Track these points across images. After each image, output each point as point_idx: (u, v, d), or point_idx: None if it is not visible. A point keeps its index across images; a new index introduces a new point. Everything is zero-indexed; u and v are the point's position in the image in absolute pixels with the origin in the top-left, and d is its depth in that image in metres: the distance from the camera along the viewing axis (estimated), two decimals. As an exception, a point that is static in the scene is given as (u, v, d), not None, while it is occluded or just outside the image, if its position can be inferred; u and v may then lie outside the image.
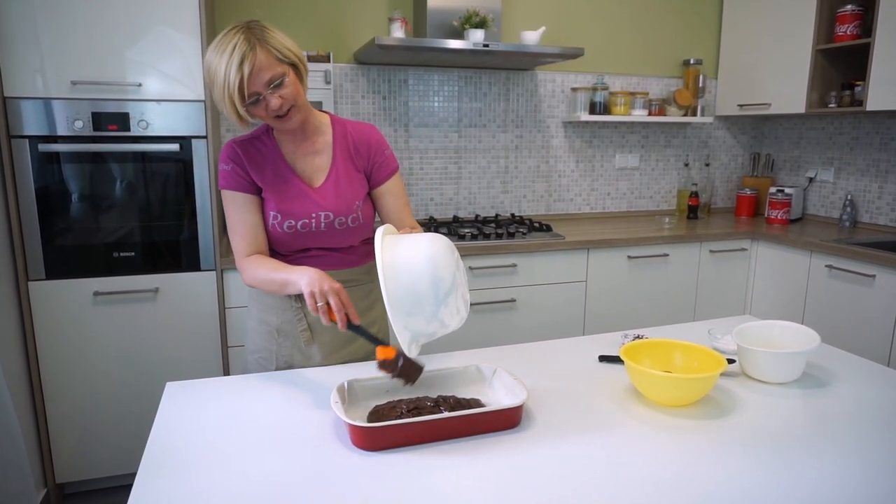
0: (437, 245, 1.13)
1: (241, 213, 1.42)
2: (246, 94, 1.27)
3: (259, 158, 1.42)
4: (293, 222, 1.42)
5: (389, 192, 1.52)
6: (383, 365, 1.18)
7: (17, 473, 1.80)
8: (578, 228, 3.04)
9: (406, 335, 1.13)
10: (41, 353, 2.18)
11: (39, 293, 2.15)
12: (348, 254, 1.51)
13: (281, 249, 1.47)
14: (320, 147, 1.47)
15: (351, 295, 1.40)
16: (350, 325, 1.21)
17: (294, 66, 1.33)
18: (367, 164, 1.50)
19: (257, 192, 1.43)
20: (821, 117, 3.38)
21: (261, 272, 1.37)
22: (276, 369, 1.49)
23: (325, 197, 1.44)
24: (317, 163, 1.46)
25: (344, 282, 1.43)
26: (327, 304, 1.20)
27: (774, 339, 1.43)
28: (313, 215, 1.42)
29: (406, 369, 1.19)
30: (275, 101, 1.30)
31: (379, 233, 1.16)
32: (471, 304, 2.62)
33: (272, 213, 1.42)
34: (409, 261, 1.10)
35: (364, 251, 1.54)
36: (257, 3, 2.75)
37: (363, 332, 1.23)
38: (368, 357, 1.53)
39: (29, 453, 2.10)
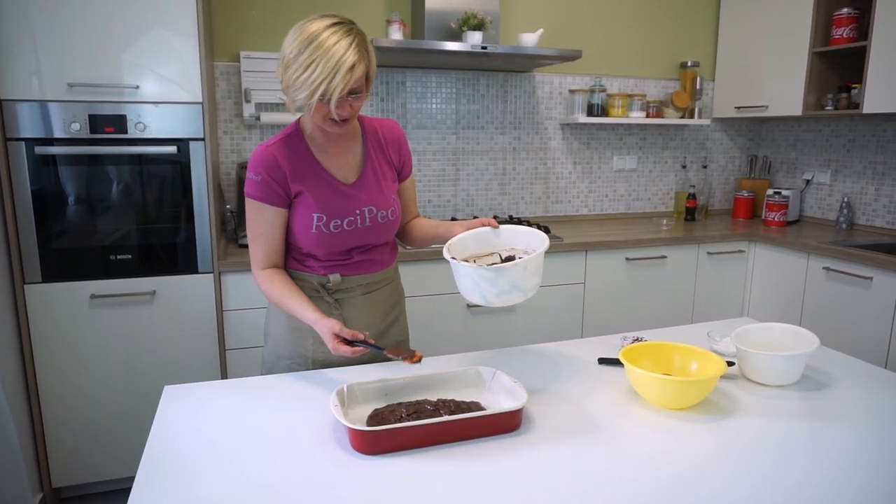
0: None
1: (265, 225, 1.42)
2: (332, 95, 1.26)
3: (295, 158, 1.41)
4: (339, 221, 1.42)
5: (410, 184, 1.61)
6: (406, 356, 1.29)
7: (13, 477, 1.79)
8: (576, 230, 3.04)
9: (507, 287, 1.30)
10: (37, 356, 2.17)
11: (36, 296, 2.14)
12: (382, 253, 1.53)
13: (322, 253, 1.44)
14: (352, 146, 1.48)
15: (380, 295, 1.53)
16: (362, 342, 1.32)
17: (369, 83, 1.35)
18: (399, 160, 1.54)
19: (286, 204, 1.41)
20: (817, 119, 3.39)
21: (274, 295, 1.42)
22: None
23: (364, 192, 1.45)
24: (349, 161, 1.47)
25: (381, 281, 1.54)
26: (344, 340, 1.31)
27: (774, 341, 1.43)
28: (357, 212, 1.43)
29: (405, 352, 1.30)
30: (345, 110, 1.31)
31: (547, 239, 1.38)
32: (469, 307, 2.64)
33: (315, 216, 1.40)
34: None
35: (391, 248, 1.58)
36: (255, 5, 2.75)
37: (371, 346, 1.32)
38: (396, 346, 1.60)
39: (25, 457, 2.09)
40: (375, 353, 1.33)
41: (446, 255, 1.36)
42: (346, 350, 1.28)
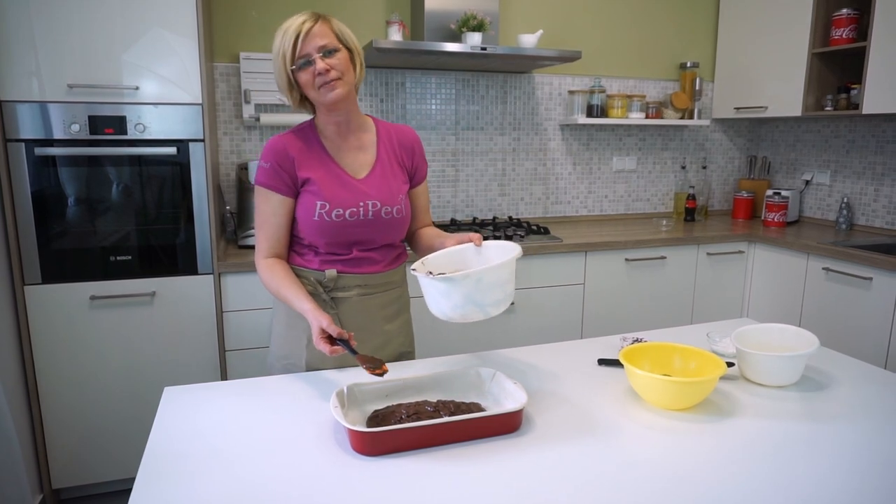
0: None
1: (271, 213, 1.45)
2: (297, 54, 1.34)
3: (306, 148, 1.45)
4: (342, 211, 1.43)
5: (423, 191, 1.61)
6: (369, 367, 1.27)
7: (13, 479, 1.79)
8: (576, 231, 3.04)
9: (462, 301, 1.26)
10: (37, 357, 2.17)
11: (36, 297, 2.14)
12: (385, 254, 1.52)
13: (323, 243, 1.45)
14: (365, 144, 1.50)
15: (379, 300, 1.52)
16: (343, 341, 1.31)
17: (350, 51, 1.40)
18: (412, 165, 1.56)
19: (293, 193, 1.44)
20: (817, 120, 3.39)
21: (273, 284, 1.43)
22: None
23: (370, 186, 1.46)
24: (361, 158, 1.49)
25: (382, 285, 1.53)
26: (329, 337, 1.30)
27: (773, 342, 1.43)
28: (361, 204, 1.44)
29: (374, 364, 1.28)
30: (322, 64, 1.34)
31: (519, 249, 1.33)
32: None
33: (319, 203, 1.42)
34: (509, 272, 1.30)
35: (398, 252, 1.57)
36: (255, 5, 2.75)
37: (349, 348, 1.31)
38: (398, 358, 1.58)
39: (25, 458, 2.09)
40: (352, 355, 1.32)
41: (414, 266, 1.34)
42: (324, 348, 1.28)
